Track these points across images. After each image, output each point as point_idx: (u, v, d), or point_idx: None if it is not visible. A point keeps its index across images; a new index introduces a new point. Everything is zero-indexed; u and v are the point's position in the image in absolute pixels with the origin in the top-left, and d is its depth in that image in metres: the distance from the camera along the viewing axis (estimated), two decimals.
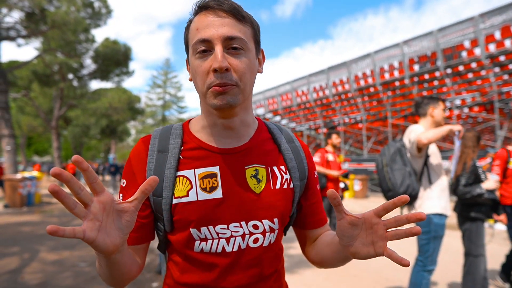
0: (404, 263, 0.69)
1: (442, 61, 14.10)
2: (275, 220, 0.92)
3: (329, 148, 5.29)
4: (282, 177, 0.95)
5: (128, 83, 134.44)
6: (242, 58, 0.82)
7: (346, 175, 5.24)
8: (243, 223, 0.88)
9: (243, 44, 0.82)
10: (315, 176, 1.06)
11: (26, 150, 41.72)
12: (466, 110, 16.75)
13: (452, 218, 5.40)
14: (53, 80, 19.60)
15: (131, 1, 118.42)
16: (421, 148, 2.87)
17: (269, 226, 0.91)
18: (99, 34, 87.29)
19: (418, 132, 2.88)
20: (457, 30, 13.49)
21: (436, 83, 15.90)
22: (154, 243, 0.97)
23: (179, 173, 0.89)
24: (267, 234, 0.91)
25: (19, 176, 11.95)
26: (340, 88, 18.89)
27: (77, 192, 0.63)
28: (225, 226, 0.87)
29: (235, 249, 0.88)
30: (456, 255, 4.81)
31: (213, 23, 0.81)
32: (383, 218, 0.75)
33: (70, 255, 5.62)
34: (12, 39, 14.67)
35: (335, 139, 5.25)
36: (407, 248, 5.79)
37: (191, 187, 0.88)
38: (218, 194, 0.87)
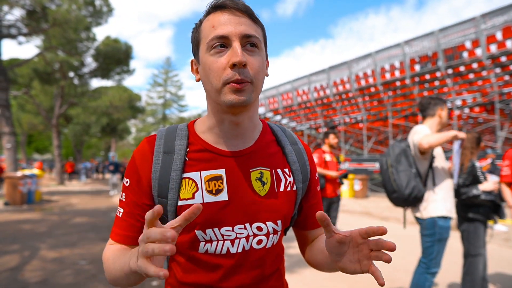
0: (380, 282, 0.70)
1: (443, 61, 14.09)
2: (279, 222, 0.93)
3: (326, 148, 5.26)
4: (286, 179, 0.95)
5: (129, 82, 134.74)
6: (257, 56, 0.84)
7: (345, 175, 5.23)
8: (247, 225, 0.89)
9: (258, 43, 0.84)
10: (316, 177, 1.07)
11: (26, 148, 41.77)
12: (466, 110, 16.75)
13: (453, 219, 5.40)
14: (54, 78, 19.60)
15: (132, 0, 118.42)
16: (424, 151, 2.87)
17: (273, 228, 0.92)
18: (100, 33, 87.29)
19: (423, 134, 2.87)
20: (458, 31, 13.48)
21: (437, 83, 15.89)
22: None
23: (185, 175, 0.89)
24: (271, 236, 0.92)
25: (19, 173, 11.97)
26: (341, 88, 18.89)
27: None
28: (230, 228, 0.88)
29: (239, 250, 0.89)
30: (456, 256, 4.81)
31: (230, 21, 0.82)
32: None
33: (71, 253, 5.62)
34: (13, 37, 14.67)
35: (332, 139, 5.22)
36: (411, 249, 5.80)
37: (197, 189, 0.88)
38: (223, 196, 0.88)
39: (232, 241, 0.88)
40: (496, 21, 12.43)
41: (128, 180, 0.92)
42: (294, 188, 0.97)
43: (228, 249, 0.88)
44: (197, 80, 0.92)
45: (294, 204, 0.98)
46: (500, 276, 4.54)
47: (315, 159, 5.07)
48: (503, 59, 13.05)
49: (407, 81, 15.64)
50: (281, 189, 0.94)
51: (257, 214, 0.90)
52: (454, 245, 4.64)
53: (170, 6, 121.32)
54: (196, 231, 0.87)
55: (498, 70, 13.65)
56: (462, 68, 14.28)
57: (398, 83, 16.55)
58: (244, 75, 0.80)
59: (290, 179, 0.96)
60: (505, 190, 3.49)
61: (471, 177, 3.21)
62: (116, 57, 19.78)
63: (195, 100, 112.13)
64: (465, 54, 13.74)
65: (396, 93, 17.46)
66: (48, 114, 24.28)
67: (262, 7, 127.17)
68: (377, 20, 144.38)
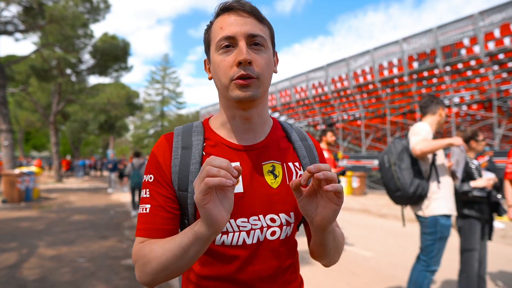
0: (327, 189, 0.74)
1: (441, 58, 14.09)
2: (291, 214, 0.96)
3: (323, 145, 5.27)
4: (297, 173, 1.00)
5: (127, 79, 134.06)
6: (262, 54, 0.89)
7: (343, 173, 5.25)
8: (261, 216, 0.93)
9: (263, 42, 0.89)
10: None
11: (24, 145, 41.64)
12: (464, 108, 16.79)
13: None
14: (51, 75, 19.52)
15: None
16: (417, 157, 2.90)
17: (286, 219, 0.95)
18: (98, 29, 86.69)
19: (421, 136, 2.87)
20: (457, 28, 13.48)
21: (435, 80, 15.90)
22: None
23: None
24: (284, 227, 0.95)
25: (17, 171, 11.93)
26: (339, 85, 18.88)
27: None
28: (246, 219, 0.91)
29: (255, 241, 0.92)
30: (455, 253, 4.83)
31: (237, 22, 0.88)
32: None
33: (69, 250, 5.62)
34: (10, 33, 14.57)
35: (330, 137, 5.23)
36: (410, 247, 5.82)
37: None
38: (239, 188, 0.92)
39: (248, 232, 0.92)
40: (494, 18, 12.43)
41: (151, 176, 0.94)
42: None
43: (244, 240, 0.92)
44: (209, 78, 0.98)
45: None
46: (498, 273, 4.57)
47: None
48: (501, 56, 13.05)
49: (405, 78, 15.63)
50: None
51: (270, 206, 0.93)
52: (452, 242, 4.66)
53: (168, 2, 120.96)
54: None
55: (496, 67, 13.66)
56: (460, 66, 14.29)
57: (396, 80, 16.55)
58: (250, 71, 0.85)
59: (301, 172, 1.01)
60: (508, 188, 3.49)
61: (464, 174, 3.24)
62: (113, 54, 19.71)
63: (193, 97, 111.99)
64: (463, 52, 13.74)
65: (394, 90, 17.47)
66: (46, 111, 24.21)
67: (261, 4, 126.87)
68: (376, 17, 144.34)
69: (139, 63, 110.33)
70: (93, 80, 75.73)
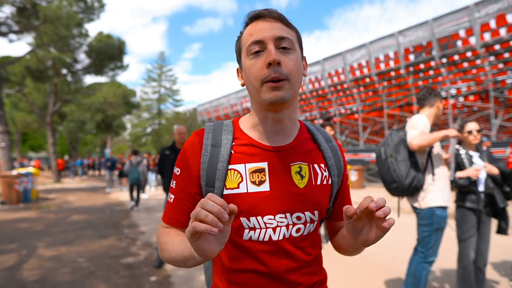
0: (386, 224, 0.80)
1: (437, 50, 14.09)
2: (316, 212, 1.01)
3: None
4: (322, 174, 1.05)
5: (123, 77, 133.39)
6: (291, 56, 0.93)
7: None
8: (288, 214, 0.97)
9: (291, 44, 0.94)
10: (347, 172, 1.17)
11: (21, 146, 41.48)
12: (461, 99, 16.80)
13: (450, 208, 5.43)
14: (47, 76, 19.41)
15: None
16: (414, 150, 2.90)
17: (310, 217, 1.01)
18: (93, 28, 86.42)
19: (418, 129, 2.87)
20: (452, 20, 13.46)
21: (431, 72, 15.91)
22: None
23: (230, 166, 0.98)
24: (308, 224, 1.01)
25: (14, 172, 11.90)
26: (335, 79, 18.86)
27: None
28: (272, 217, 0.96)
29: (280, 238, 0.97)
30: (451, 244, 4.85)
31: (265, 27, 0.93)
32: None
33: (68, 250, 5.62)
34: (3, 34, 14.46)
35: (328, 131, 5.24)
36: (409, 239, 5.84)
37: (242, 180, 0.97)
38: (266, 187, 0.96)
39: (274, 229, 0.96)
40: (490, 9, 12.42)
41: (179, 169, 1.02)
42: (330, 182, 1.06)
43: (270, 236, 0.96)
44: (242, 85, 1.03)
45: (329, 197, 1.07)
46: (496, 263, 4.59)
47: None
48: (497, 47, 13.06)
49: (402, 71, 15.64)
50: (318, 182, 1.03)
51: (297, 205, 0.98)
52: (450, 233, 4.68)
53: (163, 0, 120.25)
54: (241, 218, 0.95)
55: (492, 58, 13.66)
56: (456, 57, 14.29)
57: (392, 73, 16.55)
58: (279, 72, 0.89)
59: (326, 173, 1.06)
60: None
61: (456, 164, 3.25)
62: (109, 53, 19.60)
63: (190, 94, 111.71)
64: (459, 43, 13.73)
65: (391, 83, 17.47)
66: (42, 112, 24.10)
67: None
68: (372, 10, 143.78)
69: (135, 62, 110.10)
70: (89, 79, 75.53)
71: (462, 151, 3.33)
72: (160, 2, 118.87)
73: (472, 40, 13.27)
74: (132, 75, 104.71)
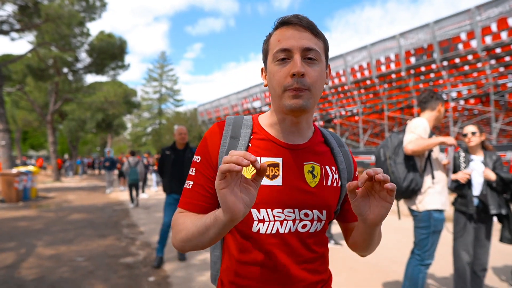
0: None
1: (439, 53, 14.10)
2: (324, 211, 1.04)
3: None
4: (333, 176, 1.08)
5: (124, 77, 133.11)
6: (316, 67, 0.96)
7: None
8: (296, 210, 1.00)
9: (317, 56, 0.96)
10: (357, 175, 1.20)
11: (21, 145, 41.48)
12: (462, 102, 16.81)
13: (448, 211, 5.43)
14: (48, 74, 19.40)
15: None
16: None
17: (318, 216, 1.04)
18: (94, 27, 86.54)
19: (416, 133, 2.87)
20: (454, 22, 13.47)
21: (432, 75, 15.92)
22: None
23: None
24: (315, 222, 1.04)
25: (14, 171, 11.90)
26: (336, 81, 18.88)
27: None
28: (281, 211, 0.99)
29: (286, 231, 1.00)
30: (449, 246, 4.85)
31: (294, 36, 0.95)
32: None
33: (67, 249, 5.62)
34: (5, 33, 14.47)
35: None
36: (407, 242, 5.83)
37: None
38: (278, 182, 1.00)
39: (281, 222, 1.00)
40: (491, 12, 12.43)
41: (199, 157, 1.06)
42: (339, 184, 1.10)
43: (277, 229, 0.99)
44: (265, 86, 1.07)
45: (338, 199, 1.10)
46: (496, 268, 4.59)
47: None
48: (498, 50, 13.07)
49: (403, 74, 15.64)
50: (329, 183, 1.06)
51: (306, 202, 1.01)
52: (447, 236, 4.68)
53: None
54: (252, 209, 0.98)
55: (493, 61, 13.67)
56: (457, 60, 14.30)
57: (393, 76, 16.55)
58: (302, 83, 0.92)
59: (336, 176, 1.09)
60: None
61: (453, 167, 3.30)
62: (110, 52, 19.59)
63: (191, 94, 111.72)
64: (460, 46, 13.75)
65: (392, 86, 17.48)
66: (43, 110, 24.11)
67: (259, 0, 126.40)
68: (373, 12, 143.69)
69: (137, 61, 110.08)
70: (90, 78, 75.52)
71: (462, 154, 3.34)
72: (162, 1, 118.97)
73: (473, 43, 13.28)
74: (133, 75, 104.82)
